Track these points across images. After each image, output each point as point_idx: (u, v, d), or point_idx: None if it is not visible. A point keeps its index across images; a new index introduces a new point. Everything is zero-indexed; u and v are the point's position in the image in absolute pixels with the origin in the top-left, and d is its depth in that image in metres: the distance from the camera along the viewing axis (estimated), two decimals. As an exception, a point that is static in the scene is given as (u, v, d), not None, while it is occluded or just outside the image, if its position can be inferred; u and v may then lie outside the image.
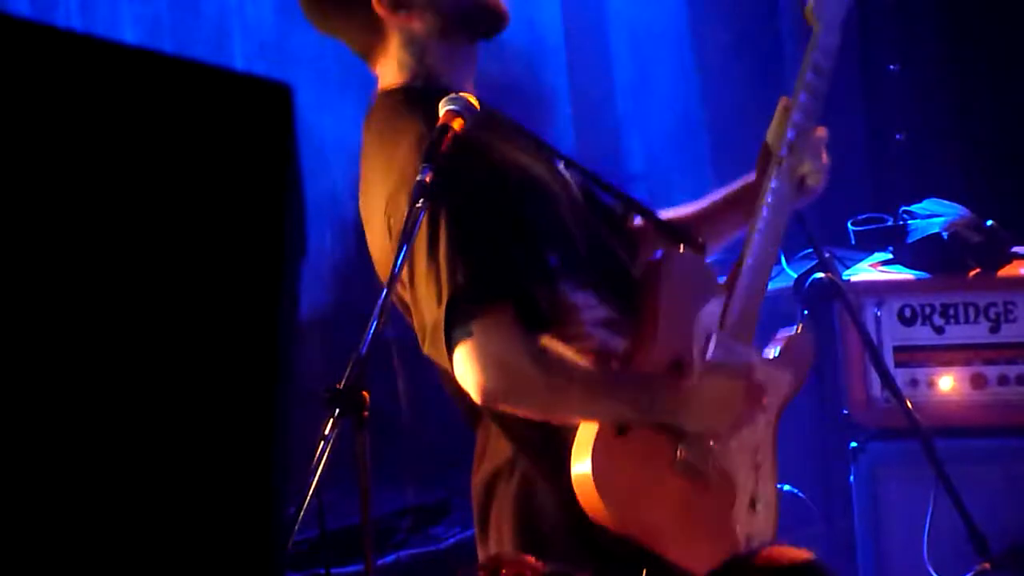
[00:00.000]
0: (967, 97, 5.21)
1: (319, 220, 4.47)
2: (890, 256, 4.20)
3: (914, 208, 4.26)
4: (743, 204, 2.86)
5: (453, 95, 2.55)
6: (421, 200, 2.43)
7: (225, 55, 4.64)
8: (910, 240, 4.15)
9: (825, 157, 2.83)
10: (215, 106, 1.09)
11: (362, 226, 2.78)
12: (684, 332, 2.71)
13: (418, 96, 2.69)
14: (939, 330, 4.04)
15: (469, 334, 2.52)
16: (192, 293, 1.08)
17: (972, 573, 3.48)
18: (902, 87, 5.22)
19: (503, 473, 2.69)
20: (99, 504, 1.06)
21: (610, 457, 2.59)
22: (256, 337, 1.09)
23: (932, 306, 4.04)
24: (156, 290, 1.07)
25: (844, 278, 4.05)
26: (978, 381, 4.02)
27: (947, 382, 4.03)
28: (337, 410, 2.32)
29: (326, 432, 2.32)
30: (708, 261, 2.87)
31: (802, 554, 2.80)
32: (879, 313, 4.05)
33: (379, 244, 2.69)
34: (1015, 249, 4.12)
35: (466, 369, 2.53)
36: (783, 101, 2.80)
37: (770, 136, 2.79)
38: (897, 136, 5.24)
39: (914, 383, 4.04)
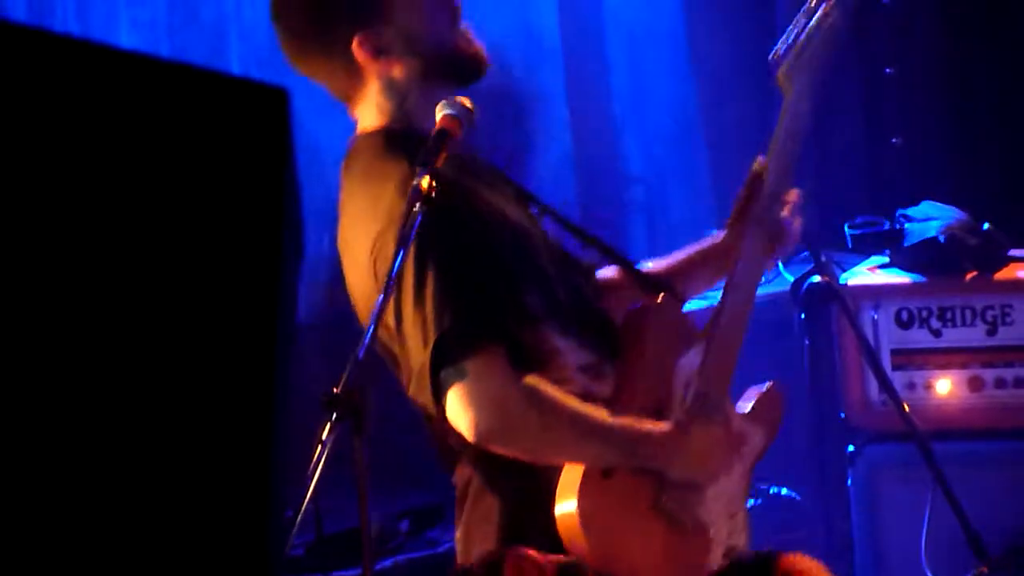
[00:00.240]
0: (964, 101, 5.21)
1: (316, 224, 4.45)
2: (887, 259, 4.20)
3: (911, 211, 4.26)
4: (714, 260, 2.96)
5: (449, 99, 2.56)
6: (418, 204, 2.43)
7: (222, 59, 4.64)
8: (907, 243, 4.15)
9: (797, 221, 2.93)
10: (212, 110, 1.09)
11: None
12: (665, 380, 2.76)
13: (399, 139, 2.70)
14: (936, 333, 4.04)
15: (462, 374, 2.53)
16: (190, 296, 1.08)
17: (970, 575, 3.49)
18: (899, 91, 5.23)
19: (487, 534, 2.69)
20: (98, 505, 1.06)
21: (595, 498, 2.62)
22: (254, 340, 1.09)
23: (929, 309, 4.04)
24: (154, 293, 1.07)
25: (841, 281, 4.05)
26: (975, 384, 4.03)
27: (944, 385, 4.04)
28: (335, 414, 2.31)
29: (323, 436, 2.31)
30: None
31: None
32: (876, 316, 4.05)
33: (360, 283, 2.70)
34: (1012, 252, 4.12)
35: (460, 408, 2.54)
36: (757, 162, 2.85)
37: (743, 194, 2.88)
38: (894, 140, 5.24)
39: (911, 386, 4.04)
